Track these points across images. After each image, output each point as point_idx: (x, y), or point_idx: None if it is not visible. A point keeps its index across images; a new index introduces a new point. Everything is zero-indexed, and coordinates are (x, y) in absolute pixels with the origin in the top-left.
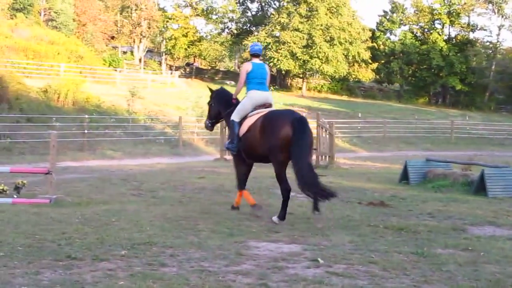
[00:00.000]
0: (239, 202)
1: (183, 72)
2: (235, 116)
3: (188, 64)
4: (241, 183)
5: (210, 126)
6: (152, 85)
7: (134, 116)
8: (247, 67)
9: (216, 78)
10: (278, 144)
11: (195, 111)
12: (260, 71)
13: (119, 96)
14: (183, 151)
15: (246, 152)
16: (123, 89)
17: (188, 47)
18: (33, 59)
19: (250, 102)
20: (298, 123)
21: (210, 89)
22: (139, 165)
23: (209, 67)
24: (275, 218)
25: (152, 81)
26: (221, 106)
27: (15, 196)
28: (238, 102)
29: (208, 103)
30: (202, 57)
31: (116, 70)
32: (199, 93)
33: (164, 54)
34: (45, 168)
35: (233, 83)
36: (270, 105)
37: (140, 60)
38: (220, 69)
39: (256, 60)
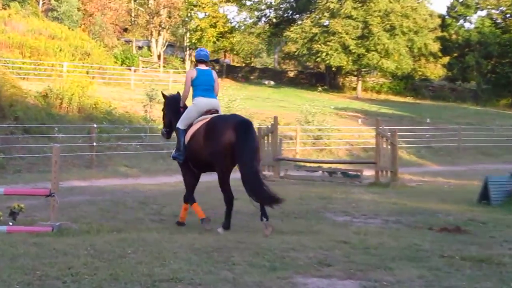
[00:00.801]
0: (184, 217)
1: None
2: (180, 124)
3: (217, 61)
4: (190, 195)
5: (166, 134)
6: (173, 86)
7: (152, 124)
8: (191, 73)
9: (252, 77)
10: (221, 150)
11: None
12: (206, 77)
13: (134, 101)
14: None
15: (192, 161)
16: (138, 92)
17: (217, 40)
18: (30, 58)
19: (196, 109)
20: (241, 126)
21: (163, 95)
22: (160, 184)
23: (243, 64)
24: (219, 229)
25: (174, 82)
26: (172, 114)
27: (10, 224)
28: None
29: (162, 109)
30: (234, 52)
31: (130, 69)
32: (232, 96)
33: (188, 49)
34: (46, 189)
35: (272, 82)
36: (216, 112)
37: (159, 56)
38: (256, 67)
39: (202, 66)
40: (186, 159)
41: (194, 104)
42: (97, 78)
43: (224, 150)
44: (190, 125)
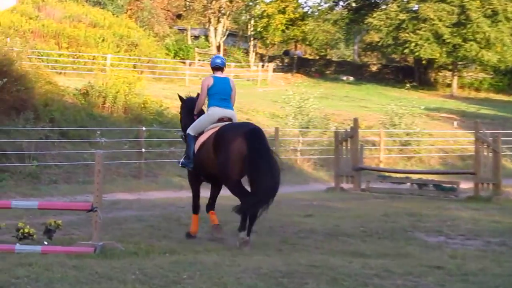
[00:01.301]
0: (195, 230)
1: (280, 64)
2: (191, 130)
3: (286, 53)
4: (197, 205)
5: (184, 139)
6: (236, 83)
7: None
8: (208, 81)
9: (327, 72)
10: (230, 160)
11: (298, 119)
12: (223, 86)
13: None
14: (282, 176)
15: (201, 170)
16: (194, 89)
17: (287, 28)
18: (68, 49)
19: (209, 119)
20: (252, 134)
21: (180, 97)
22: (219, 197)
23: (317, 57)
24: (242, 234)
25: (236, 77)
26: (188, 118)
27: (45, 243)
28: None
29: (179, 112)
30: (307, 43)
31: (184, 62)
32: (304, 94)
33: (252, 39)
34: (87, 202)
35: (351, 78)
36: (229, 120)
37: (218, 47)
38: (333, 59)
39: (218, 74)
40: (195, 167)
41: (208, 114)
42: (146, 73)
43: (233, 159)
44: (202, 133)
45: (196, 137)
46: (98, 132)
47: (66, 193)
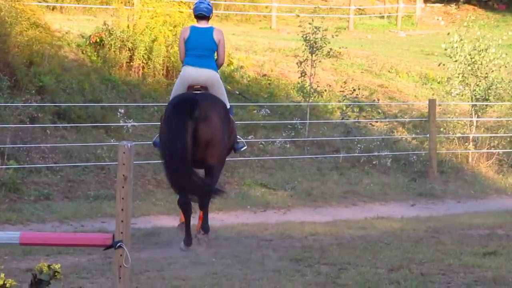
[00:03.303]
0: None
1: None
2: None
3: None
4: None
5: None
6: (361, 22)
7: (317, 101)
8: (184, 33)
9: None
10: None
11: (470, 86)
12: (201, 38)
13: (280, 53)
14: (442, 185)
15: None
16: (287, 36)
17: None
18: None
19: (181, 83)
20: (174, 108)
21: None
22: (334, 222)
23: None
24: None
25: (360, 13)
26: None
27: None
28: None
29: None
30: None
31: None
32: (481, 41)
33: None
34: (104, 234)
35: None
36: (203, 89)
37: None
38: None
39: (200, 24)
40: None
41: (180, 77)
42: None
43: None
44: None
45: None
46: (121, 111)
47: (66, 217)
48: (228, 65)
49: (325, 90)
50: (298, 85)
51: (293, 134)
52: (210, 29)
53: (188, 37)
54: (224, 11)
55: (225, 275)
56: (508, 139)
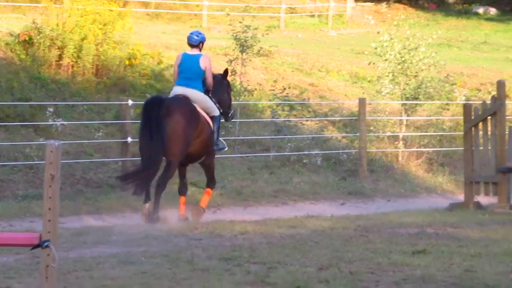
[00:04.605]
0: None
1: None
2: None
3: None
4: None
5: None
6: (293, 21)
7: (247, 100)
8: (177, 59)
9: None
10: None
11: (400, 84)
12: (189, 64)
13: (212, 51)
14: (372, 184)
15: None
16: (217, 35)
17: None
18: None
19: None
20: (145, 107)
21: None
22: (264, 221)
23: None
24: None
25: (292, 11)
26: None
27: None
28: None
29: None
30: None
31: None
32: (411, 40)
33: None
34: (31, 233)
35: (493, 11)
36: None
37: None
38: None
39: (192, 51)
40: None
41: (171, 93)
42: (134, 4)
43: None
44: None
45: None
46: (50, 110)
47: None
48: (158, 63)
49: (256, 89)
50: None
51: (223, 133)
52: (198, 56)
53: (180, 62)
54: (155, 10)
55: (154, 274)
56: (438, 138)
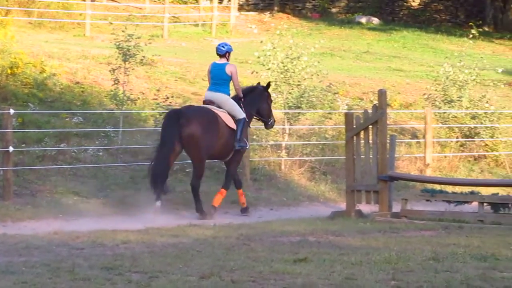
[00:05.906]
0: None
1: None
2: None
3: None
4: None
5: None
6: (177, 31)
7: (130, 109)
8: (209, 67)
9: (334, 9)
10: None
11: (283, 93)
12: (216, 71)
13: (94, 60)
14: (255, 192)
15: None
16: (101, 44)
17: None
18: None
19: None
20: (166, 118)
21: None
22: (147, 230)
23: None
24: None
25: (173, 20)
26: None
27: None
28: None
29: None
30: None
31: None
32: (293, 49)
33: None
34: None
35: (375, 21)
36: (209, 102)
37: None
38: None
39: (220, 60)
40: None
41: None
42: (17, 12)
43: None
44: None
45: None
46: None
47: None
48: (40, 72)
49: (139, 98)
50: (112, 92)
51: (106, 142)
52: (224, 65)
53: (210, 70)
54: (38, 18)
55: (34, 284)
56: (320, 146)
